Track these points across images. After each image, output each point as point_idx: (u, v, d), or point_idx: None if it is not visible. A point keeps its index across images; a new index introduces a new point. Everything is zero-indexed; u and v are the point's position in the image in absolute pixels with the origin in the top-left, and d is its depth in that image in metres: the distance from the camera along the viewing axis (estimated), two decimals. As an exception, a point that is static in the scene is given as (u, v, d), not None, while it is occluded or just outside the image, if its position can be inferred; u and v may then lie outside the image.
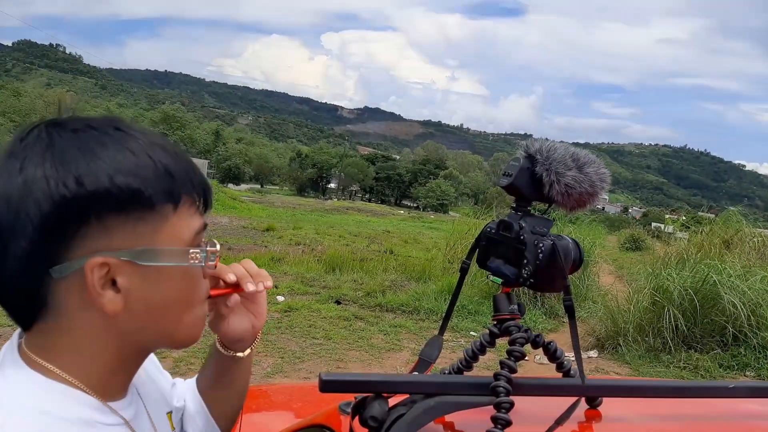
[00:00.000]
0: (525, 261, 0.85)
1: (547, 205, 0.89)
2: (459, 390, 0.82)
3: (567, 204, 0.87)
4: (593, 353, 6.18)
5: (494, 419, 0.77)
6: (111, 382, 0.61)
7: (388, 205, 59.38)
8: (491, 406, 0.78)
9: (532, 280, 0.85)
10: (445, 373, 0.97)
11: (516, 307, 0.89)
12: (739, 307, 5.74)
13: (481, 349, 0.93)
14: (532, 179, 0.86)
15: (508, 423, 0.76)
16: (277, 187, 75.68)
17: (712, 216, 9.80)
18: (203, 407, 0.81)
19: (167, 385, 0.80)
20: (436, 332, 0.97)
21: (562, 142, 0.90)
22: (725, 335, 5.81)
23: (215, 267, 0.65)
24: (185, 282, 0.61)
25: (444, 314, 0.96)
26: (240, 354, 0.77)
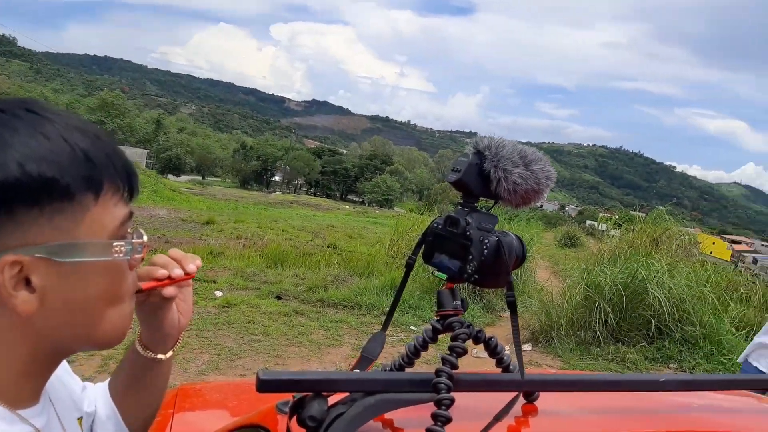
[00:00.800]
0: (470, 257, 0.84)
1: (494, 201, 0.89)
2: (400, 387, 0.81)
3: (513, 201, 0.87)
4: (527, 347, 6.37)
5: (435, 416, 0.76)
6: (22, 388, 0.56)
7: (334, 200, 59.13)
8: (432, 403, 0.78)
9: (476, 276, 0.84)
10: (386, 370, 0.96)
11: (459, 302, 0.88)
12: (664, 303, 6.04)
13: (423, 345, 0.92)
14: (480, 175, 0.85)
15: (449, 420, 0.76)
16: (220, 179, 73.99)
17: (643, 215, 10.28)
18: (115, 412, 0.76)
19: (78, 389, 0.75)
20: (377, 328, 0.95)
21: (509, 140, 0.90)
22: (651, 329, 6.10)
23: (142, 259, 0.61)
24: (109, 277, 0.56)
25: (388, 310, 0.94)
26: (161, 356, 0.73)
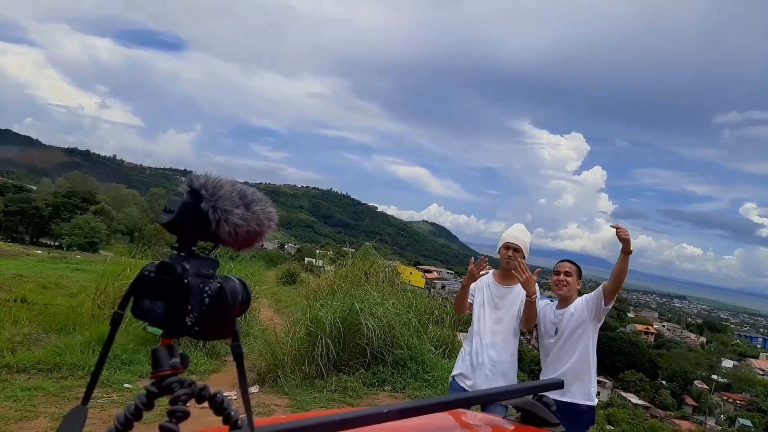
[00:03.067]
0: (190, 307, 0.76)
1: (213, 244, 0.83)
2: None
3: (235, 243, 0.82)
4: (254, 389, 6.26)
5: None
6: None
7: (22, 244, 50.07)
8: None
9: (197, 328, 0.76)
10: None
11: (179, 360, 0.79)
12: (376, 330, 6.60)
13: (136, 415, 0.79)
14: (197, 216, 0.78)
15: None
16: None
17: (353, 250, 11.16)
18: None
19: None
20: (83, 392, 0.79)
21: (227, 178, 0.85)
22: (367, 356, 6.59)
23: None
24: None
25: (90, 376, 0.79)
26: None
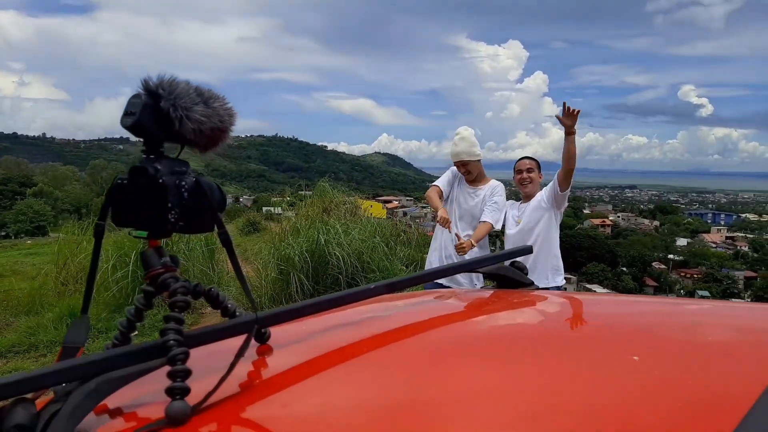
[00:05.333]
0: (170, 205, 0.78)
1: (180, 146, 0.84)
2: (122, 362, 0.71)
3: (200, 142, 0.83)
4: (235, 337, 6.36)
5: (172, 374, 0.69)
6: None
7: (-36, 239, 47.88)
8: (167, 367, 0.71)
9: (181, 224, 0.79)
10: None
11: (169, 259, 0.81)
12: (345, 259, 6.73)
13: (138, 316, 0.83)
14: (159, 116, 0.78)
15: (188, 373, 0.70)
16: None
17: (310, 193, 11.14)
18: None
19: None
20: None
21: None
22: (341, 284, 6.75)
23: None
24: None
25: (86, 285, 0.81)
26: None
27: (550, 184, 3.94)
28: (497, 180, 4.21)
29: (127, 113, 0.77)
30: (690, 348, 0.90)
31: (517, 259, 1.47)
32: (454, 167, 4.19)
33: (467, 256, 3.76)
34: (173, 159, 0.81)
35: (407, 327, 1.05)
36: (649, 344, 0.91)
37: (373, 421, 0.66)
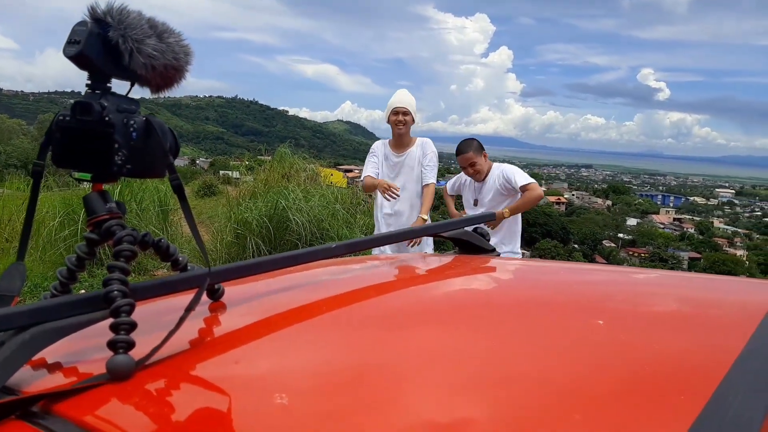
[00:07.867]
0: (116, 146, 0.71)
1: (130, 83, 0.77)
2: (60, 312, 0.65)
3: (153, 79, 0.76)
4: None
5: (115, 326, 0.64)
6: None
7: None
8: (110, 319, 0.65)
9: (129, 166, 0.72)
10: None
11: (114, 204, 0.75)
12: (304, 225, 6.66)
13: (79, 264, 0.77)
14: (107, 48, 0.71)
15: (133, 326, 0.65)
16: None
17: (269, 158, 10.92)
18: None
19: None
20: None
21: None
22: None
23: None
24: None
25: (21, 232, 0.75)
26: None
27: (512, 184, 3.88)
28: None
29: (70, 42, 0.70)
30: (649, 314, 0.91)
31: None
32: (380, 150, 4.24)
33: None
34: (121, 96, 0.75)
35: (366, 289, 1.02)
36: (611, 309, 0.92)
37: (326, 383, 0.63)
